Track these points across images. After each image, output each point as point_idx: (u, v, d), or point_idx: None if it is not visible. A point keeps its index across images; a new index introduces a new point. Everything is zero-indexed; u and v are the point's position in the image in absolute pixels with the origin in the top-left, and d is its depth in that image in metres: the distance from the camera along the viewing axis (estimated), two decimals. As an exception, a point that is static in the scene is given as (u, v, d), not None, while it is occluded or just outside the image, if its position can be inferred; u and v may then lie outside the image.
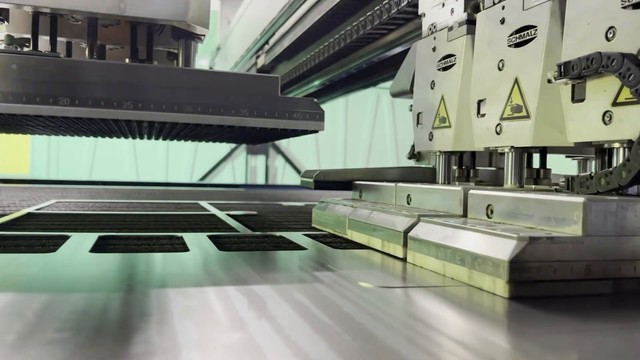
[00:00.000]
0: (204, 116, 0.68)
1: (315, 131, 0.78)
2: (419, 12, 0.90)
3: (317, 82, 2.02)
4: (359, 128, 5.42)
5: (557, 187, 0.60)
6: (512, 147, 0.66)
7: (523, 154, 0.67)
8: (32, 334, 0.30)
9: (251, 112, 0.70)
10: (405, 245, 0.59)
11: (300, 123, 0.72)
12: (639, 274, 0.44)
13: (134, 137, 1.15)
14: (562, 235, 0.43)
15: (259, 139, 1.16)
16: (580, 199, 0.43)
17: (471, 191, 0.58)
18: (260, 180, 4.45)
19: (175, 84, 0.70)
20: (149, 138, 1.20)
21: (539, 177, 0.68)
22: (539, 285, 0.42)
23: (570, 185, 0.55)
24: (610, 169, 0.50)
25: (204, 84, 0.71)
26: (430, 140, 0.84)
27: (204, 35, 0.78)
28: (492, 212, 0.54)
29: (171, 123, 0.72)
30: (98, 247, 0.63)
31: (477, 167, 0.87)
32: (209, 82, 0.71)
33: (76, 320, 0.33)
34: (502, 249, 0.42)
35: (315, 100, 0.73)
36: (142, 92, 0.68)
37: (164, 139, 1.18)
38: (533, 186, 0.68)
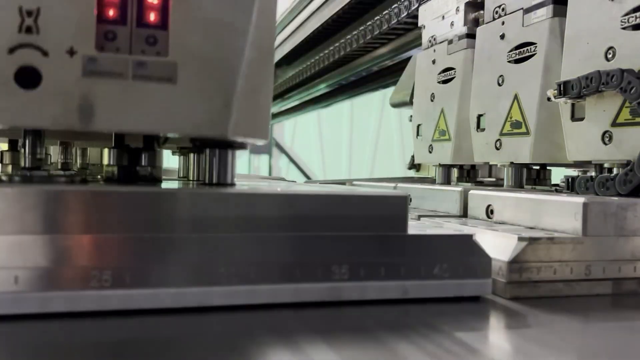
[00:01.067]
0: (265, 288, 0.34)
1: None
2: (419, 24, 0.91)
3: (322, 86, 2.03)
4: (365, 126, 5.37)
5: (557, 187, 0.60)
6: (511, 162, 0.66)
7: (522, 169, 0.67)
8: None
9: (353, 272, 0.35)
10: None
11: (449, 285, 0.38)
12: (639, 275, 0.44)
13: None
14: (562, 235, 0.43)
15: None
16: (580, 199, 0.43)
17: (471, 191, 0.58)
18: (264, 180, 4.41)
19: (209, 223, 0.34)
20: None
21: (538, 178, 0.69)
22: (539, 285, 0.42)
23: (571, 185, 0.55)
24: (612, 174, 0.50)
25: (261, 213, 0.35)
26: (430, 152, 0.85)
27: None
28: (492, 212, 0.54)
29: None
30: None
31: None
32: (271, 210, 0.35)
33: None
34: (502, 249, 0.42)
35: (472, 236, 0.39)
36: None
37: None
38: (532, 187, 0.68)
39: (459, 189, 0.62)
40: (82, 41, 0.33)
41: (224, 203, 0.35)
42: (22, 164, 0.40)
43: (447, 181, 0.84)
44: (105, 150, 0.42)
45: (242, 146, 0.42)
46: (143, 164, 0.42)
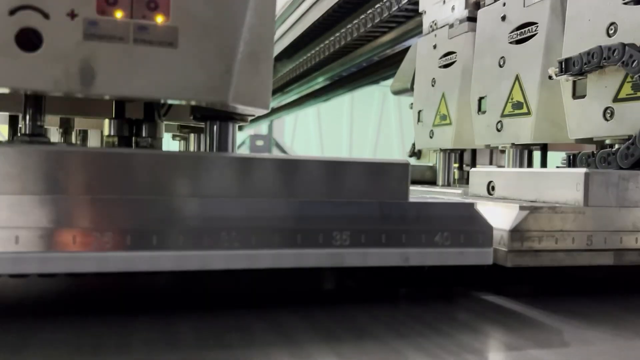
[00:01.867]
0: (256, 252, 0.33)
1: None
2: (420, 10, 0.91)
3: (322, 78, 2.03)
4: (365, 124, 5.37)
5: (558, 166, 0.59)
6: (512, 144, 0.66)
7: (523, 151, 0.67)
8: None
9: (354, 239, 0.35)
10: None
11: (450, 253, 0.37)
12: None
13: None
14: (564, 205, 0.43)
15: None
16: (581, 170, 0.43)
17: (472, 169, 0.57)
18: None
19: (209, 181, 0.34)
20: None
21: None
22: (541, 254, 0.41)
23: (572, 162, 0.55)
24: (613, 149, 0.50)
25: (265, 178, 0.35)
26: (431, 137, 0.85)
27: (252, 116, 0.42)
28: (493, 188, 0.53)
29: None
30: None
31: (477, 165, 0.88)
32: (274, 175, 0.35)
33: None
34: (504, 218, 0.42)
35: (474, 204, 0.40)
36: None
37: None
38: None
39: (459, 191, 0.62)
40: (83, 4, 0.33)
41: (226, 167, 0.34)
42: (23, 131, 0.40)
43: (447, 168, 0.84)
44: (106, 121, 0.42)
45: (242, 118, 0.42)
46: (143, 135, 0.42)
